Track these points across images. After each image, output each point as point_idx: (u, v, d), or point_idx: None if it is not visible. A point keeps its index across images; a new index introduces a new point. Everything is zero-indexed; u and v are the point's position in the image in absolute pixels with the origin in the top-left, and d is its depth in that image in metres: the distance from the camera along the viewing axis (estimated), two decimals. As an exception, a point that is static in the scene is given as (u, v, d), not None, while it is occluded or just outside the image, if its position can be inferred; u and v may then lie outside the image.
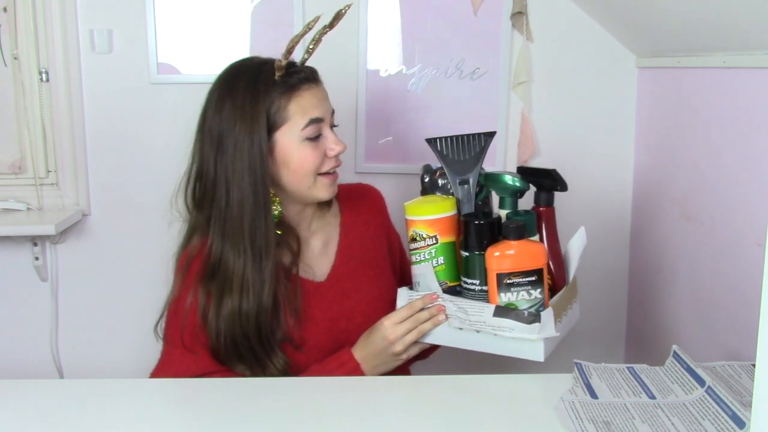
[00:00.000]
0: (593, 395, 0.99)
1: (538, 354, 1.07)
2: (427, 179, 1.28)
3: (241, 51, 1.77)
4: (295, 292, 1.22)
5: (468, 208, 1.22)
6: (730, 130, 1.37)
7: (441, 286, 1.16)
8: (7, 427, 0.92)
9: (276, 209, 1.22)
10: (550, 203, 1.21)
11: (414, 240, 1.17)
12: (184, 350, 1.20)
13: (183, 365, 1.20)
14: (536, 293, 1.08)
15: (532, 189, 1.23)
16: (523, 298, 1.08)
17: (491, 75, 1.79)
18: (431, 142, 1.25)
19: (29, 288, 1.86)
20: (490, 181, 1.23)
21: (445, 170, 1.24)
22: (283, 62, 1.19)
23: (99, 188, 1.84)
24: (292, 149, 1.20)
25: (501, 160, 1.82)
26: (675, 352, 1.06)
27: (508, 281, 1.07)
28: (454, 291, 1.17)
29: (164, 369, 1.22)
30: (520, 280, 1.07)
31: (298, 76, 1.20)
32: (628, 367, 1.08)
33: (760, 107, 1.26)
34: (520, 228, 1.07)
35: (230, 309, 1.17)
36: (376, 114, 1.81)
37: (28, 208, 1.81)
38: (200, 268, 1.20)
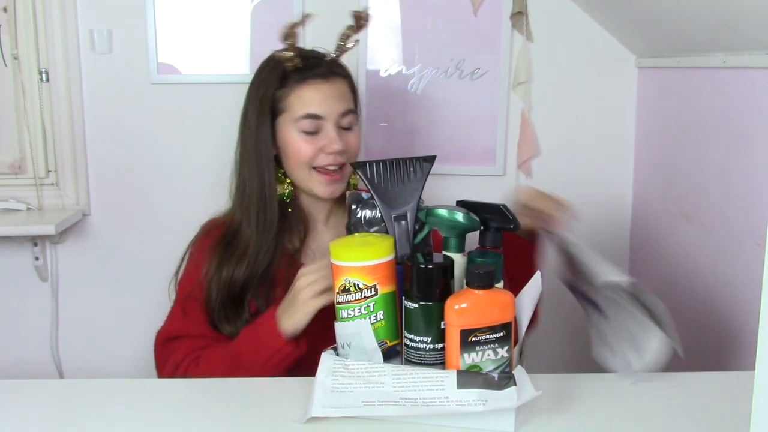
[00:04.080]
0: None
1: (507, 424, 0.87)
2: (358, 211, 1.06)
3: (241, 51, 1.77)
4: (294, 274, 1.23)
5: (404, 250, 1.00)
6: (731, 130, 1.36)
7: (380, 346, 0.95)
8: (7, 427, 0.92)
9: (285, 189, 1.29)
10: (497, 245, 1.02)
11: (346, 291, 0.94)
12: (181, 310, 1.27)
13: (175, 323, 1.27)
14: (503, 351, 0.90)
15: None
16: (488, 358, 0.90)
17: (491, 75, 1.79)
18: (358, 166, 1.02)
19: (29, 288, 1.86)
20: (434, 217, 1.01)
21: (377, 203, 1.02)
22: (286, 54, 1.24)
23: (99, 188, 1.84)
24: (289, 138, 1.27)
25: (501, 161, 1.82)
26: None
27: (473, 339, 0.89)
28: (394, 351, 0.96)
29: (165, 325, 1.29)
30: (487, 336, 0.89)
31: (309, 71, 1.26)
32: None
33: (760, 107, 1.27)
34: (490, 275, 0.89)
35: (227, 273, 1.24)
36: (376, 114, 1.81)
37: (28, 208, 1.81)
38: (219, 236, 1.28)
